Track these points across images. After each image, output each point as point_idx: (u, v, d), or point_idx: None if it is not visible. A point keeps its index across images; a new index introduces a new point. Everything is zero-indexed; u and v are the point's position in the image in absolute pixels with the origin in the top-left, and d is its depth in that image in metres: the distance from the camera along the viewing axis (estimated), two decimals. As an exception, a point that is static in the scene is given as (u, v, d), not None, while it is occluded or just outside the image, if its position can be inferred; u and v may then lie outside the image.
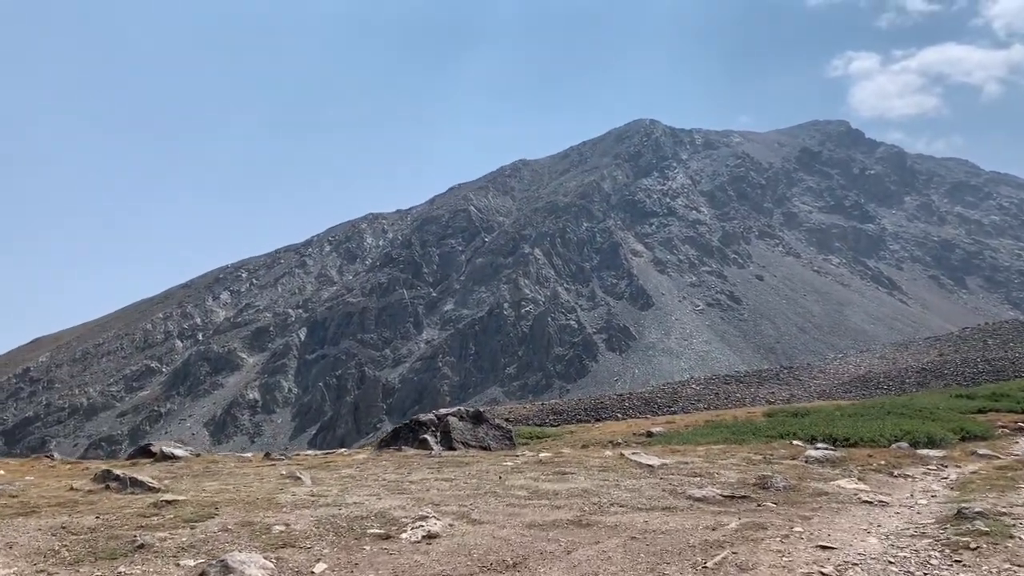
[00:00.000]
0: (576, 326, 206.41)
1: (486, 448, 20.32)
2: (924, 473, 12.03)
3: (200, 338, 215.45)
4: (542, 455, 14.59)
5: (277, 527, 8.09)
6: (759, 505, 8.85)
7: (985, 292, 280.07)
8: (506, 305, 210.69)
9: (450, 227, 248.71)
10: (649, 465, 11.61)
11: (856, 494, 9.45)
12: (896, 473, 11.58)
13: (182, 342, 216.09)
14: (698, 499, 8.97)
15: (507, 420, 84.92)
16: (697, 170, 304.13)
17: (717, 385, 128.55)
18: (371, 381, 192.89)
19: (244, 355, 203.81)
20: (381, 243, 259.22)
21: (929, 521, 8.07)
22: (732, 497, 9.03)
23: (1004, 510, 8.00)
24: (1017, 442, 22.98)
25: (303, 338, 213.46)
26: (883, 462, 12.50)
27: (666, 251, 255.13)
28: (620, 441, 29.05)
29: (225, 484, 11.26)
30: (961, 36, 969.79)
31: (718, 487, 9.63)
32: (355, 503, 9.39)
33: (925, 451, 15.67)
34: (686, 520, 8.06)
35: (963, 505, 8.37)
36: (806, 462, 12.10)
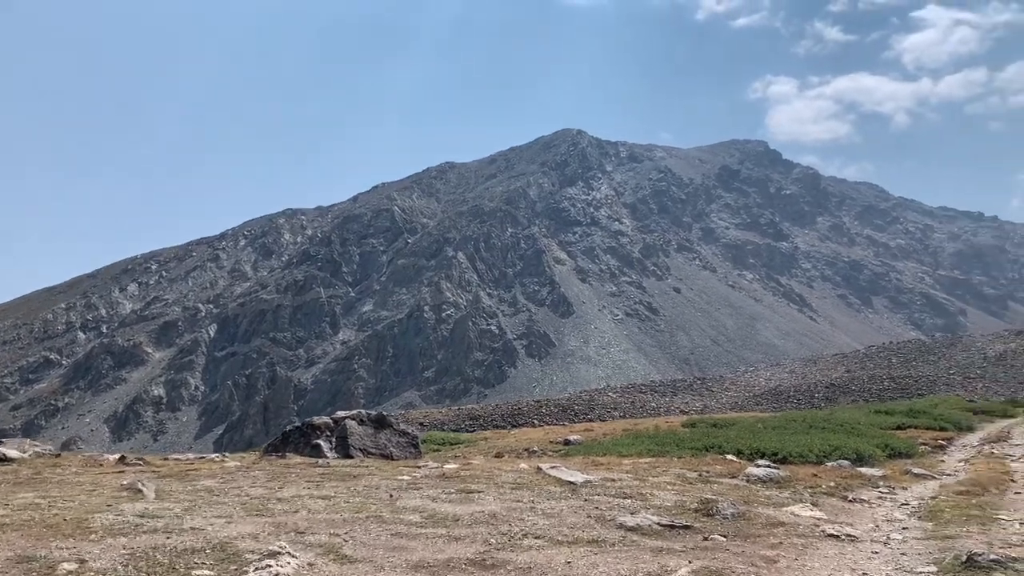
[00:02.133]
0: (497, 331, 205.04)
1: (388, 457, 18.22)
2: (879, 498, 10.62)
3: (104, 330, 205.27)
4: (448, 467, 12.65)
5: (66, 565, 5.88)
6: (706, 539, 7.17)
7: (889, 312, 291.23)
8: (427, 308, 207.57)
9: (372, 226, 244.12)
10: (570, 482, 9.83)
11: (817, 524, 7.86)
12: (850, 497, 10.10)
13: (85, 334, 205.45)
14: (631, 528, 7.24)
15: (422, 425, 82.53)
16: (621, 182, 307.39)
17: (633, 394, 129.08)
18: (283, 381, 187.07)
19: (150, 350, 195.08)
20: (299, 239, 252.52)
21: (926, 568, 6.53)
22: (672, 527, 7.34)
23: (1015, 555, 6.53)
24: (943, 460, 22.27)
25: (213, 334, 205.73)
26: (832, 483, 11.05)
27: (588, 260, 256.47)
28: (537, 449, 27.32)
29: (42, 496, 8.94)
30: (874, 67, 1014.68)
31: (654, 512, 7.93)
32: (194, 529, 7.28)
33: (865, 469, 14.41)
34: (621, 560, 6.31)
35: (960, 545, 6.88)
36: (748, 481, 10.56)
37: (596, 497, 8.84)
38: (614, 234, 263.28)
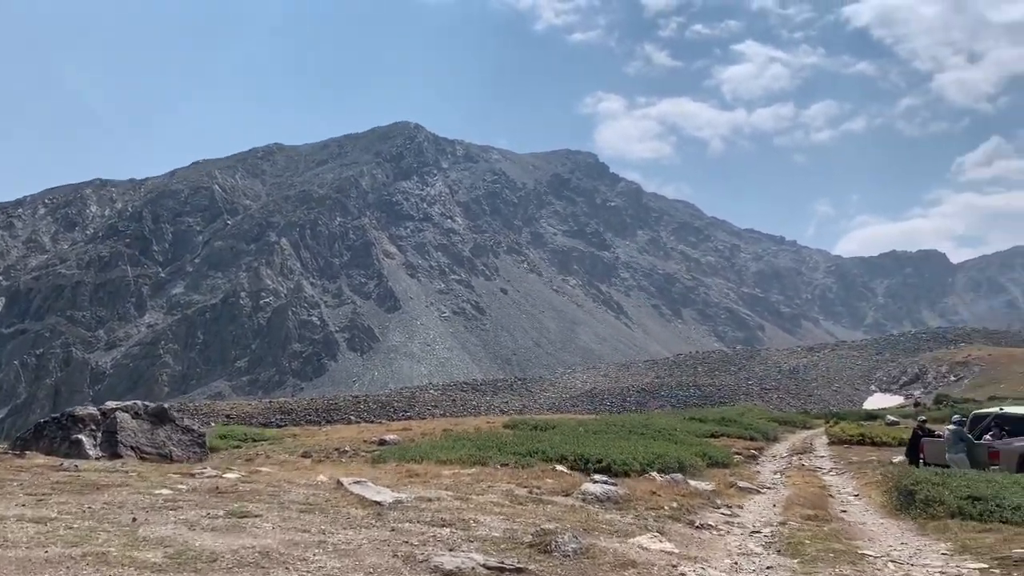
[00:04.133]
0: (318, 323, 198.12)
1: (166, 457, 15.54)
2: (725, 522, 9.60)
3: None
4: (228, 475, 10.44)
5: None
6: (545, 587, 5.69)
7: (697, 324, 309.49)
8: (244, 294, 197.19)
9: (189, 204, 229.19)
10: (376, 503, 8.01)
11: (672, 565, 6.52)
12: (696, 523, 8.97)
13: None
14: (450, 573, 5.56)
15: (228, 417, 77.19)
16: (456, 180, 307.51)
17: (454, 392, 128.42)
18: (78, 363, 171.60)
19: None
20: (107, 213, 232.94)
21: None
22: (502, 570, 5.73)
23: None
24: (758, 470, 22.34)
25: (1, 309, 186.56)
26: (674, 504, 9.92)
27: (418, 256, 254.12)
28: (348, 449, 25.19)
29: None
30: (696, 94, 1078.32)
31: (479, 548, 6.30)
32: None
33: (696, 483, 13.59)
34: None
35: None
36: (585, 501, 9.21)
37: (407, 525, 7.09)
38: (446, 231, 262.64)
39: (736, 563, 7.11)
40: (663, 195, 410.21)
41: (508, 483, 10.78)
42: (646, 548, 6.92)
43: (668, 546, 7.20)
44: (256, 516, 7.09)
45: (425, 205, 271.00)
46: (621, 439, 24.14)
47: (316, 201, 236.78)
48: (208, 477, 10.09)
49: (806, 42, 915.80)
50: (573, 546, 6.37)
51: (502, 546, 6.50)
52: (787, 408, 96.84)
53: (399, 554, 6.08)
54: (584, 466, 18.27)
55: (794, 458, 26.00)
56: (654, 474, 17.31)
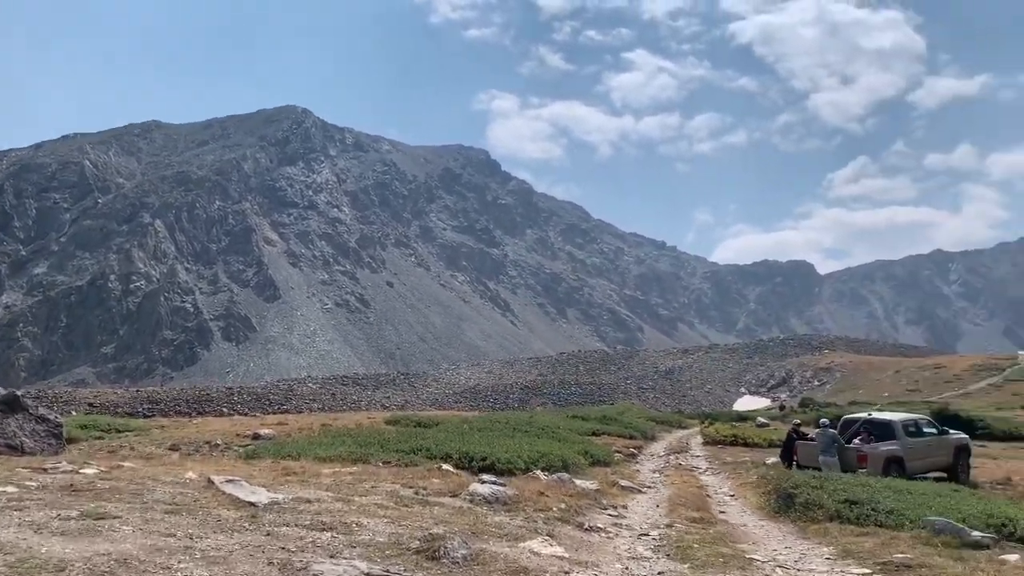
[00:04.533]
0: (192, 310, 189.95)
1: (17, 449, 14.25)
2: (613, 524, 9.51)
3: None
4: (86, 471, 9.57)
5: None
6: (434, 599, 5.34)
7: (580, 323, 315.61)
8: (113, 277, 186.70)
9: (56, 180, 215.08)
10: (250, 503, 7.45)
11: (563, 571, 6.30)
12: (586, 525, 8.83)
13: None
14: (330, 585, 5.15)
15: (91, 406, 72.81)
16: (344, 168, 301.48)
17: (334, 386, 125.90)
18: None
19: None
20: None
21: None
22: (388, 579, 5.36)
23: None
24: (638, 469, 22.66)
25: None
26: (563, 505, 9.75)
27: (302, 244, 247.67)
28: (220, 443, 23.97)
29: None
30: (587, 98, 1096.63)
31: (362, 554, 5.86)
32: None
33: (581, 482, 13.55)
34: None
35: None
36: (473, 502, 8.90)
37: (284, 529, 6.58)
38: (332, 221, 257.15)
39: (627, 568, 6.99)
40: (552, 195, 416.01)
41: (392, 483, 10.35)
42: (537, 553, 6.69)
43: (559, 550, 7.00)
44: (115, 518, 6.42)
45: (311, 193, 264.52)
46: (506, 437, 24.04)
47: (195, 183, 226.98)
48: (63, 472, 9.20)
49: (693, 55, 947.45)
50: (463, 552, 6.05)
51: (387, 552, 6.10)
52: (662, 407, 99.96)
53: (275, 561, 5.60)
54: (469, 464, 18.04)
55: (672, 457, 26.53)
56: (539, 472, 17.25)
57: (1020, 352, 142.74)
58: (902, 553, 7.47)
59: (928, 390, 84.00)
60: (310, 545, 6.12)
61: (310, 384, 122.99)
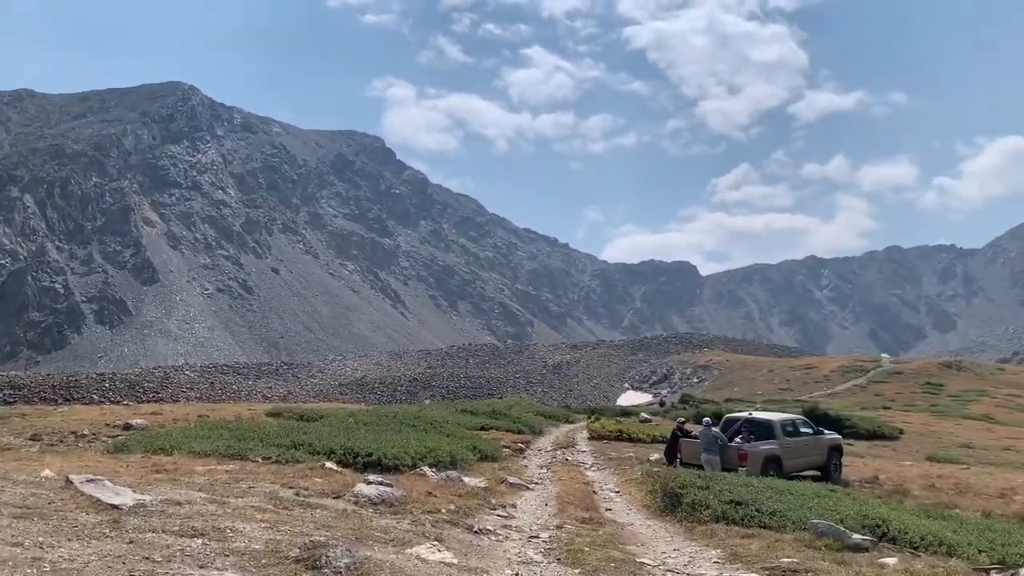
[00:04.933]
0: (62, 291, 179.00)
1: None
2: (503, 526, 9.26)
3: None
4: (-77, 469, 8.61)
5: None
6: (313, 615, 4.93)
7: (471, 317, 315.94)
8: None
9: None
10: (113, 506, 6.80)
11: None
12: (475, 527, 8.54)
13: None
14: (199, 599, 4.68)
15: (-59, 392, 67.43)
16: (231, 149, 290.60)
17: (214, 375, 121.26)
18: None
19: None
20: None
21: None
22: (262, 593, 4.93)
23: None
24: (525, 464, 22.67)
25: None
26: (451, 506, 9.43)
27: (183, 227, 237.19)
28: (88, 433, 22.55)
29: None
30: (485, 92, 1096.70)
31: (236, 565, 5.39)
32: None
33: (470, 480, 13.31)
34: None
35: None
36: (358, 504, 8.47)
37: (150, 535, 6.01)
38: (216, 203, 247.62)
39: (517, 574, 6.78)
40: (448, 188, 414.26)
41: (272, 483, 9.79)
42: (425, 560, 6.38)
43: (447, 556, 6.71)
44: (-48, 524, 5.72)
45: (195, 173, 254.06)
46: (393, 432, 23.59)
47: (69, 157, 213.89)
48: None
49: (589, 56, 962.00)
50: (346, 561, 5.67)
51: (263, 562, 5.64)
52: (550, 401, 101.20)
53: (136, 573, 5.08)
54: (354, 460, 17.52)
55: (558, 452, 26.66)
56: (427, 469, 16.91)
57: (883, 355, 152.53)
58: (788, 557, 7.58)
59: (799, 389, 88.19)
60: (178, 554, 5.60)
61: (188, 372, 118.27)
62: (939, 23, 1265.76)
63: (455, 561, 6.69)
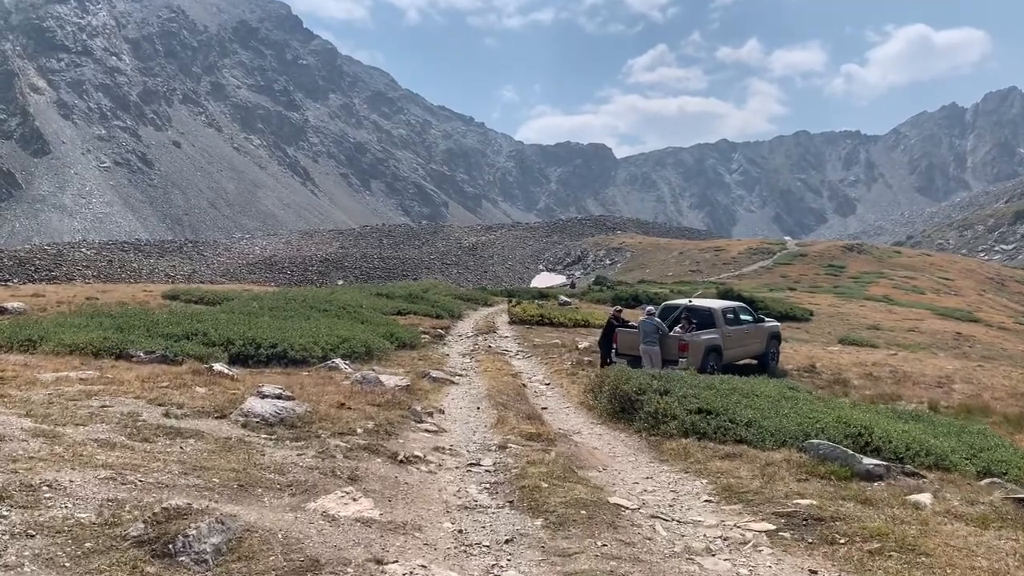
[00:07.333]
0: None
1: None
2: (434, 448, 7.47)
3: None
4: None
5: None
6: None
7: (385, 196, 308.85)
8: None
9: None
10: None
11: (371, 555, 4.19)
12: (399, 454, 6.74)
13: None
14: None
15: None
16: (125, 12, 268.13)
17: (113, 252, 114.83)
18: None
19: None
20: None
21: None
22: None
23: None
24: (447, 353, 21.38)
25: None
26: (369, 424, 7.57)
27: (75, 95, 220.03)
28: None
29: None
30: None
31: (39, 555, 3.44)
32: None
33: (389, 380, 11.54)
34: None
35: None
36: (247, 426, 6.55)
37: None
38: (110, 70, 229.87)
39: (462, 530, 5.05)
40: (358, 60, 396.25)
41: (137, 396, 7.72)
42: (334, 519, 4.58)
43: (365, 506, 4.95)
44: None
45: (85, 37, 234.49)
46: (302, 318, 21.60)
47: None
48: None
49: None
50: (214, 540, 3.80)
51: (87, 546, 3.70)
52: (465, 283, 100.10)
53: None
54: (256, 352, 15.49)
55: (480, 338, 25.39)
56: (339, 361, 15.08)
57: (787, 238, 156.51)
58: (797, 494, 6.14)
59: (708, 271, 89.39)
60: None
61: (85, 250, 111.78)
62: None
63: (376, 515, 4.93)
